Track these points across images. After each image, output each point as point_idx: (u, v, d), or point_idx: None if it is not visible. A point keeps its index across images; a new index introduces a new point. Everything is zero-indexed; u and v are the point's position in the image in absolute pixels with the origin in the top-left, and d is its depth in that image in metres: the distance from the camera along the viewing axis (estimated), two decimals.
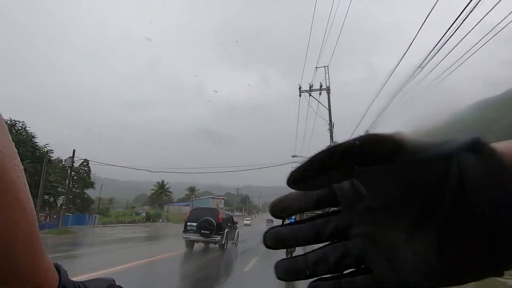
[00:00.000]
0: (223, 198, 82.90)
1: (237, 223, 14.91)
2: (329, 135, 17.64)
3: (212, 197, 69.87)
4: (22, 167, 0.29)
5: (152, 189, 55.09)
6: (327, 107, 18.01)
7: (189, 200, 53.63)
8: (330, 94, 18.14)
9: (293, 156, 24.61)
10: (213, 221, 11.16)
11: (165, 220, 45.28)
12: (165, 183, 54.26)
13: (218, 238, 11.26)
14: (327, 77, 18.27)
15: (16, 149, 0.29)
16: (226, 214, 13.79)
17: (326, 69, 18.38)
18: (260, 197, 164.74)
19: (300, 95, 18.90)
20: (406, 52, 8.79)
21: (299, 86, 18.71)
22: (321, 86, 18.17)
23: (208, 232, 11.06)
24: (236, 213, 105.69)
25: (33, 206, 0.31)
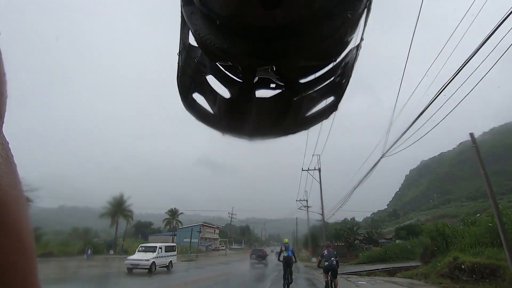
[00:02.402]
0: (217, 227, 76.98)
1: (267, 254, 31.31)
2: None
3: (202, 224, 64.66)
4: (28, 206, 0.30)
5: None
6: (319, 181, 25.26)
7: (172, 226, 48.98)
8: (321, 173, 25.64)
9: (297, 201, 37.01)
10: (261, 254, 27.59)
11: (119, 251, 32.79)
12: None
13: (264, 261, 27.27)
14: (319, 163, 25.76)
15: (22, 188, 0.29)
16: (264, 251, 30.41)
17: (318, 157, 25.34)
18: (264, 230, 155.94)
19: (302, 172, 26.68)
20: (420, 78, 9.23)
21: (301, 168, 26.26)
22: (315, 168, 25.75)
23: (258, 258, 26.86)
24: (234, 246, 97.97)
25: (34, 248, 0.31)
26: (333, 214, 22.44)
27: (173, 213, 48.00)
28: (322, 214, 22.95)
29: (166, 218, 48.83)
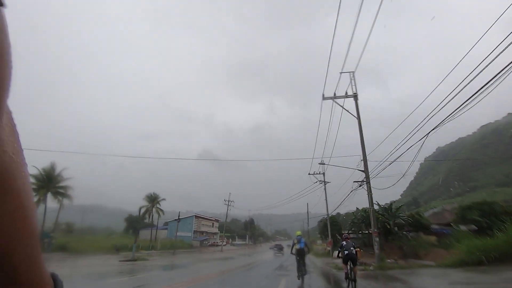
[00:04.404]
0: (216, 220, 67.42)
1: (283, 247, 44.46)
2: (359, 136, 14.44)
3: (195, 216, 55.16)
4: (29, 174, 0.30)
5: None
6: (356, 115, 14.78)
7: (151, 216, 39.74)
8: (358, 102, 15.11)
9: (309, 174, 27.09)
10: (280, 247, 43.89)
11: (47, 248, 23.30)
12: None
13: (281, 252, 40.31)
14: (353, 83, 15.40)
15: (24, 157, 0.29)
16: (282, 245, 47.17)
17: (352, 75, 15.39)
18: (270, 225, 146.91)
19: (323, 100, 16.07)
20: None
21: (322, 94, 15.83)
22: (346, 93, 15.32)
23: (279, 250, 42.30)
24: (237, 241, 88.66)
25: (36, 214, 0.32)
26: (385, 168, 12.41)
27: (152, 199, 38.13)
28: (366, 170, 12.69)
29: (143, 206, 38.94)
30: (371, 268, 12.83)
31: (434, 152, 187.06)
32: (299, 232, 11.40)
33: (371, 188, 12.31)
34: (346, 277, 9.21)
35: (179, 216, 33.98)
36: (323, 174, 27.76)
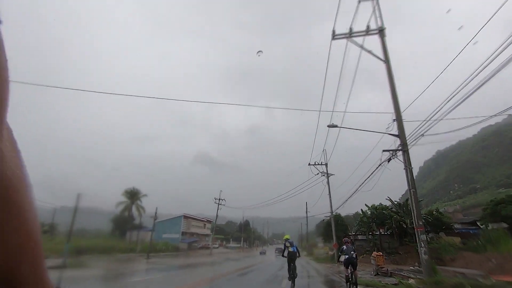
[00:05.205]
0: (208, 221, 63.13)
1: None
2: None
3: (184, 216, 50.89)
4: (31, 189, 0.30)
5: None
6: (383, 57, 10.25)
7: (130, 215, 35.79)
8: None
9: (310, 164, 24.05)
10: (280, 250, 23.47)
11: None
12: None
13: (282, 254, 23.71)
14: (377, 15, 10.79)
15: (28, 173, 0.30)
16: (282, 248, 30.89)
17: (376, 1, 10.86)
18: (267, 227, 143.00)
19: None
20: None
21: (332, 30, 11.77)
22: (368, 27, 10.66)
23: (280, 253, 21.52)
24: (232, 244, 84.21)
25: (40, 229, 0.32)
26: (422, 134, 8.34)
27: (132, 195, 34.00)
28: (401, 132, 8.53)
29: (122, 202, 34.82)
30: (411, 281, 8.69)
31: (433, 155, 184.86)
32: (287, 236, 11.61)
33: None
34: (347, 281, 9.39)
35: (156, 213, 29.85)
36: (326, 164, 23.96)
